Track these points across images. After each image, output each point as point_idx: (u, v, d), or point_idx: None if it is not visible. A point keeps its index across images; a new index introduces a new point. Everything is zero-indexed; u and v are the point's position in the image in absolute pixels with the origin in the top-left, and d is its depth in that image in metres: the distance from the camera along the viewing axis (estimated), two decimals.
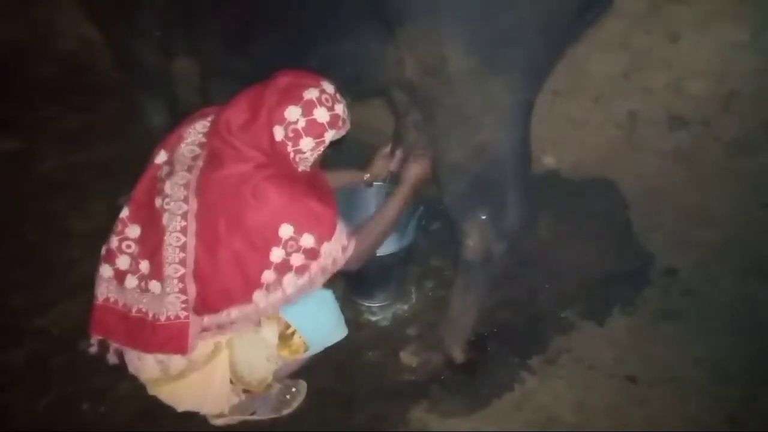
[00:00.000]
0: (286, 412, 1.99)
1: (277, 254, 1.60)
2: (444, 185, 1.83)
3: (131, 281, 1.68)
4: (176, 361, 1.67)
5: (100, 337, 1.74)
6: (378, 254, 2.04)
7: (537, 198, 2.57)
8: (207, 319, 1.65)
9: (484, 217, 1.81)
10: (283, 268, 1.62)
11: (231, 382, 1.75)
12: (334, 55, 1.79)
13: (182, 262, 1.60)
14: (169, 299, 1.61)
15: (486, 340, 2.24)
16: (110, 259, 1.70)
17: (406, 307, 2.41)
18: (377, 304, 2.39)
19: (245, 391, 1.81)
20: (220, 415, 1.90)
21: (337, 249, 1.66)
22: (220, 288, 1.62)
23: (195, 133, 1.72)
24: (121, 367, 1.77)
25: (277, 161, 1.62)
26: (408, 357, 2.18)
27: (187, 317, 1.61)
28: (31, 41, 4.07)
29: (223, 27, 1.98)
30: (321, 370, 2.10)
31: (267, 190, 1.57)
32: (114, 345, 1.74)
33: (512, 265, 2.16)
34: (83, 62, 3.90)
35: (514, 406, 2.05)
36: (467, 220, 1.84)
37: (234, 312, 1.64)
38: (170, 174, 1.66)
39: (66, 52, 4.00)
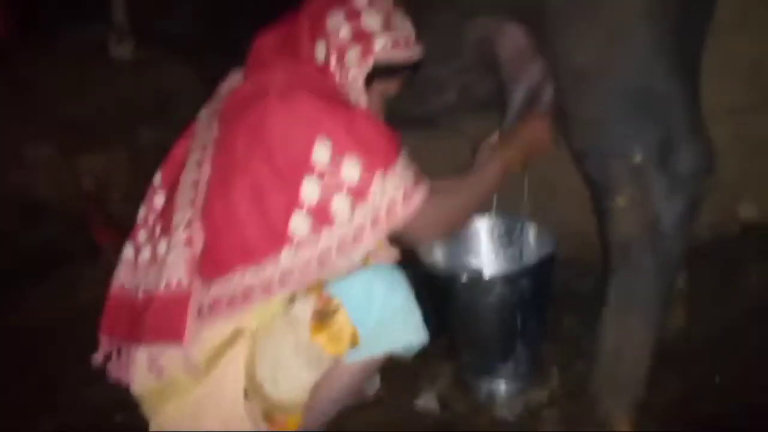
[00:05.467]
0: None
1: (309, 189, 1.16)
2: (576, 119, 1.33)
3: (144, 254, 1.33)
4: (171, 358, 1.20)
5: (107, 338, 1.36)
6: (488, 277, 1.60)
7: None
8: (215, 289, 1.19)
9: (640, 158, 1.20)
10: (319, 210, 1.16)
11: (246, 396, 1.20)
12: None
13: (191, 203, 1.24)
14: (171, 257, 1.21)
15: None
16: (131, 237, 1.39)
17: (544, 392, 1.63)
18: (501, 385, 1.65)
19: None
20: None
21: (396, 189, 1.16)
22: (234, 236, 1.20)
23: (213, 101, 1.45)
24: None
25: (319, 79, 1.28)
26: None
27: (189, 285, 1.18)
28: None
29: None
30: None
31: (299, 94, 1.20)
32: (117, 353, 1.34)
33: None
34: None
35: None
36: (616, 164, 1.22)
37: (249, 275, 1.17)
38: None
39: None
